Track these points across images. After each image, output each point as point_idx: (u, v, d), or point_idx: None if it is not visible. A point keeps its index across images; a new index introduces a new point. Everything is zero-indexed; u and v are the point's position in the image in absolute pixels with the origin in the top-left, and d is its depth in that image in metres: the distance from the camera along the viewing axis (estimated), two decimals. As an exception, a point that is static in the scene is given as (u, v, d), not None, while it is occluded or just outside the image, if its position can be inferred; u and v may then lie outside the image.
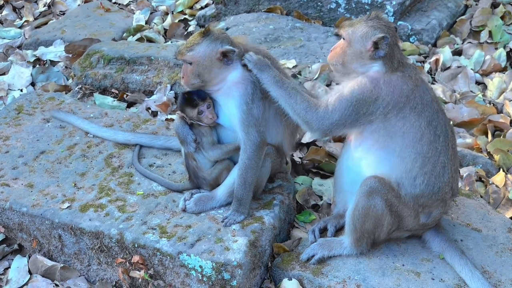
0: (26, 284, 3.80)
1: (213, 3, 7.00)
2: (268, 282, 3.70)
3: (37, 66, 6.17)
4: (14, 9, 7.79)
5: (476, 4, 6.75)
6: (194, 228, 3.66)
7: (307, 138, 4.74)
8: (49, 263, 3.86)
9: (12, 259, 3.95)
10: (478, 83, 5.63)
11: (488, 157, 4.65)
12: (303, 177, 4.45)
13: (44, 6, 7.73)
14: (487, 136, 4.85)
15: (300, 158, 4.64)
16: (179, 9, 7.23)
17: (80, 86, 5.61)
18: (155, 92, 5.38)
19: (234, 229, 3.66)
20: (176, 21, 6.95)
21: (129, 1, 7.69)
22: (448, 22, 6.48)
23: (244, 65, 3.64)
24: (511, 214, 4.14)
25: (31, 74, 6.01)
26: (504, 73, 5.61)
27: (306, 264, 3.61)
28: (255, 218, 3.76)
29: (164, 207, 3.84)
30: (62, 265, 3.86)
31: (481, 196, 4.27)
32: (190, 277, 3.53)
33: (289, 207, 4.02)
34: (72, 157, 4.30)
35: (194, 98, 3.69)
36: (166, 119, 5.00)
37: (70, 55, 6.18)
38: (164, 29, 6.84)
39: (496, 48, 6.00)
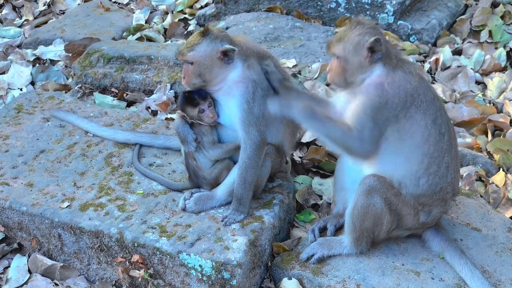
0: (25, 283, 3.79)
1: (213, 2, 6.99)
2: (268, 282, 3.70)
3: (37, 65, 6.17)
4: (14, 8, 7.79)
5: (476, 4, 6.75)
6: (194, 228, 3.66)
7: (307, 137, 4.74)
8: (49, 262, 3.86)
9: (12, 258, 3.95)
10: (478, 82, 5.63)
11: (488, 156, 4.66)
12: (303, 177, 4.45)
13: (44, 5, 7.73)
14: (487, 136, 4.85)
15: (300, 157, 4.64)
16: (179, 8, 7.24)
17: (80, 85, 5.61)
18: (155, 91, 5.38)
19: (234, 228, 3.66)
20: (176, 20, 6.95)
21: (129, 0, 7.70)
22: (448, 21, 6.48)
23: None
24: (511, 214, 4.14)
25: (31, 73, 6.01)
26: (504, 73, 5.61)
27: (306, 264, 3.61)
28: (255, 217, 3.76)
29: (164, 207, 3.84)
30: (61, 264, 3.86)
31: (481, 196, 4.27)
32: (190, 277, 3.53)
33: (289, 207, 4.02)
34: (72, 156, 4.30)
35: (195, 97, 3.69)
36: (166, 118, 4.99)
37: (70, 54, 6.18)
38: (164, 28, 6.84)
39: (496, 48, 6.00)
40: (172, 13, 7.14)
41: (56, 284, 3.79)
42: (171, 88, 5.35)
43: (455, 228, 3.83)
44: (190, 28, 6.81)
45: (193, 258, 3.49)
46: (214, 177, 3.87)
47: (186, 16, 7.07)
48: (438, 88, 5.35)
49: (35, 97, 5.02)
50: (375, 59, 3.40)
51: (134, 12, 7.31)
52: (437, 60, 5.77)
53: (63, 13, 7.57)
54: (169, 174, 4.15)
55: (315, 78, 5.38)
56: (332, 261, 3.61)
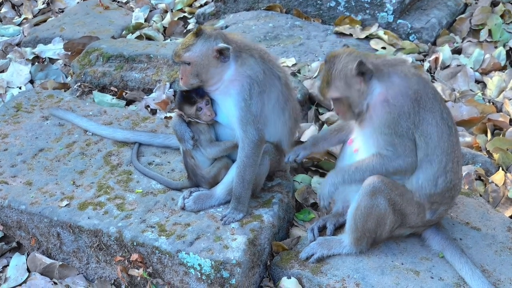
0: (24, 282, 3.79)
1: (212, 1, 6.98)
2: (267, 281, 3.70)
3: (36, 63, 6.16)
4: (13, 6, 7.78)
5: (476, 3, 6.74)
6: (193, 226, 3.65)
7: (306, 135, 4.73)
8: (48, 261, 3.86)
9: (11, 257, 3.95)
10: (477, 81, 5.63)
11: (487, 155, 4.65)
12: (302, 176, 4.45)
13: (43, 3, 7.72)
14: (486, 135, 4.85)
15: (299, 156, 4.63)
16: (178, 7, 7.23)
17: (79, 84, 5.60)
18: (154, 90, 5.37)
19: (233, 227, 3.65)
20: (175, 19, 6.94)
21: (128, -1, 7.70)
22: (448, 20, 6.47)
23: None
24: (511, 213, 4.13)
25: (30, 72, 6.00)
26: (503, 72, 5.61)
27: (305, 263, 3.61)
28: (254, 216, 3.75)
29: (163, 205, 3.84)
30: (60, 263, 3.85)
31: (481, 195, 4.27)
32: (189, 276, 3.53)
33: (288, 206, 4.02)
34: (71, 155, 4.30)
35: (192, 96, 3.69)
36: (165, 117, 4.99)
37: (69, 53, 6.17)
38: (164, 27, 6.83)
39: (496, 47, 5.99)
40: (172, 11, 7.13)
41: (55, 283, 3.78)
42: (170, 87, 5.34)
43: (454, 227, 3.82)
44: (190, 27, 6.80)
45: (192, 257, 3.48)
46: (213, 176, 3.86)
47: (186, 14, 7.06)
48: (438, 87, 5.34)
49: (34, 95, 5.01)
50: (368, 79, 3.40)
51: (133, 11, 7.30)
52: (436, 59, 5.76)
53: (62, 11, 7.56)
54: (168, 173, 4.14)
55: (315, 77, 5.37)
56: (332, 260, 3.60)
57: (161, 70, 5.46)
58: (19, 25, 7.26)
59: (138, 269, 3.60)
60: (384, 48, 5.93)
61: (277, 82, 3.75)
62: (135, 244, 3.59)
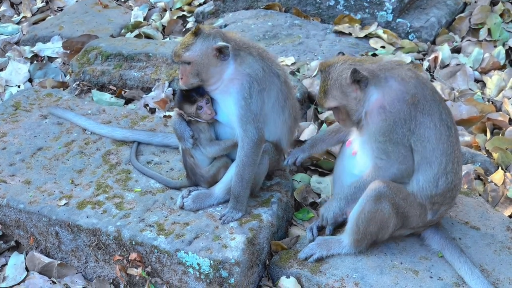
0: (23, 281, 3.78)
1: (211, -1, 6.99)
2: (266, 280, 3.69)
3: (35, 62, 6.16)
4: (12, 5, 7.77)
5: (475, 2, 6.74)
6: (192, 226, 3.65)
7: (305, 135, 4.73)
8: (46, 260, 3.85)
9: (9, 256, 3.94)
10: (477, 81, 5.63)
11: (486, 155, 4.65)
12: (301, 175, 4.44)
13: (42, 2, 7.72)
14: (486, 134, 4.85)
15: (298, 155, 4.63)
16: (178, 5, 7.22)
17: (77, 82, 5.59)
18: (153, 89, 5.36)
19: (232, 226, 3.65)
20: (175, 17, 6.93)
21: (127, -2, 7.69)
22: (447, 19, 6.47)
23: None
24: (510, 213, 4.13)
25: (29, 70, 5.99)
26: (503, 71, 5.61)
27: (304, 262, 3.61)
28: (253, 215, 3.75)
29: (162, 205, 3.83)
30: (59, 262, 3.85)
31: (480, 194, 4.27)
32: (188, 275, 3.53)
33: (287, 205, 4.01)
34: (69, 154, 4.29)
35: (192, 95, 3.68)
36: (164, 116, 4.98)
37: (68, 52, 6.17)
38: (163, 25, 6.82)
39: (495, 46, 5.99)
40: (171, 10, 7.12)
41: (54, 282, 3.78)
42: (169, 86, 5.33)
43: (453, 226, 3.82)
44: (189, 25, 6.80)
45: (191, 256, 3.48)
46: (212, 175, 3.86)
47: (185, 13, 7.05)
48: (437, 86, 5.34)
49: (32, 94, 5.00)
50: (364, 86, 3.39)
51: (132, 9, 7.29)
52: (436, 58, 5.76)
53: (61, 10, 7.56)
54: (167, 172, 4.14)
55: (314, 76, 5.37)
56: (331, 260, 3.60)
57: (160, 68, 5.45)
58: (18, 23, 7.25)
59: (137, 268, 3.60)
60: (383, 47, 5.93)
61: (276, 80, 3.75)
62: (133, 243, 3.59)
